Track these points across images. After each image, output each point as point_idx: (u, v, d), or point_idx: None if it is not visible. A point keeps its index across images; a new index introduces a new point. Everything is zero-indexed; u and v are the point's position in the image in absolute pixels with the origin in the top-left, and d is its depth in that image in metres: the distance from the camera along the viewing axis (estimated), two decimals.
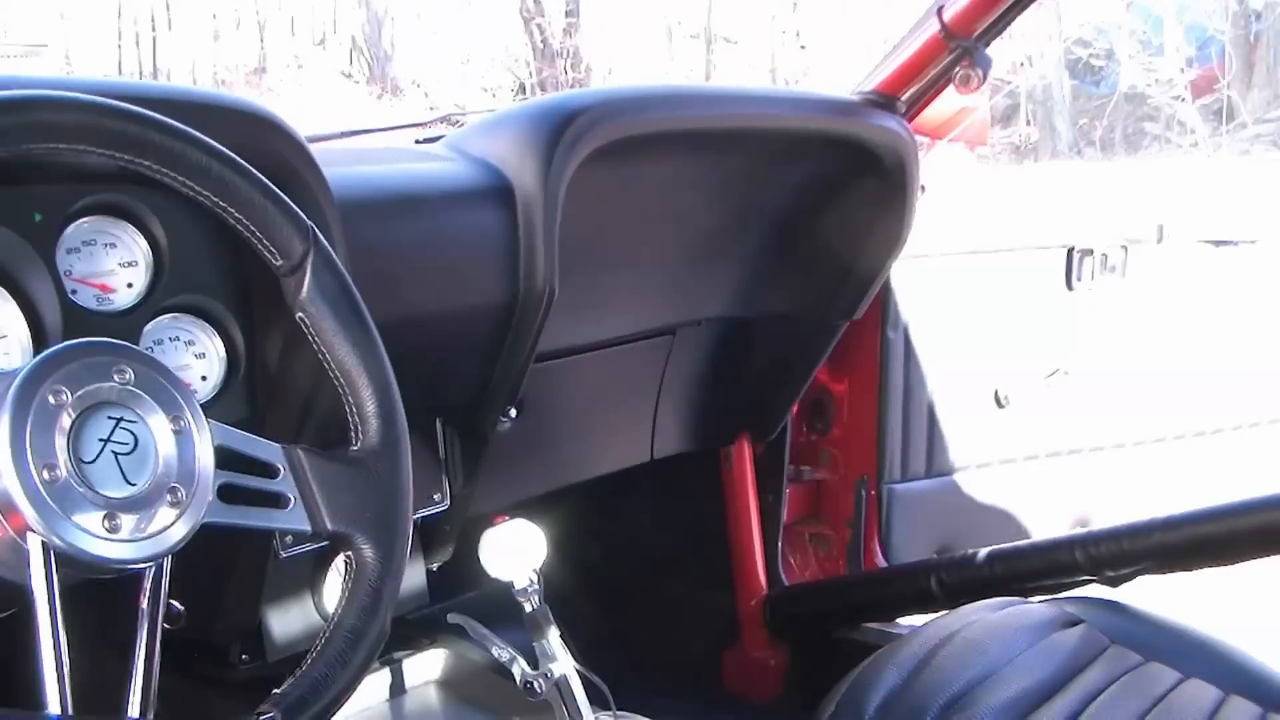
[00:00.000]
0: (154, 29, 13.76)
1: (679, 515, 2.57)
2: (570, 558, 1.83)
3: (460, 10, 13.04)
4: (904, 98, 2.11)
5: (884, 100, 2.08)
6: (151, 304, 1.37)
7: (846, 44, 12.04)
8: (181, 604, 1.09)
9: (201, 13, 13.90)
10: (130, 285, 1.37)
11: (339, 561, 1.61)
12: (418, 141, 1.98)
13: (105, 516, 0.96)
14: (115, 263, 1.36)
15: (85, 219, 1.34)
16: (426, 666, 1.86)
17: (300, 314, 1.15)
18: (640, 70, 12.31)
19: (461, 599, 1.91)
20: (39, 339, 1.29)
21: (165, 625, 1.32)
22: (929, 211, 2.17)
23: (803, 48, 13.18)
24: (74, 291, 1.31)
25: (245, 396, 1.44)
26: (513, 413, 1.82)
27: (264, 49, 14.20)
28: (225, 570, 1.50)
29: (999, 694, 1.54)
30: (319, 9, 13.91)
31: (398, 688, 1.83)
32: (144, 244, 1.37)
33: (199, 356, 1.42)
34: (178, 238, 1.37)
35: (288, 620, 1.66)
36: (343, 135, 1.99)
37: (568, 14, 13.03)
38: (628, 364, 2.12)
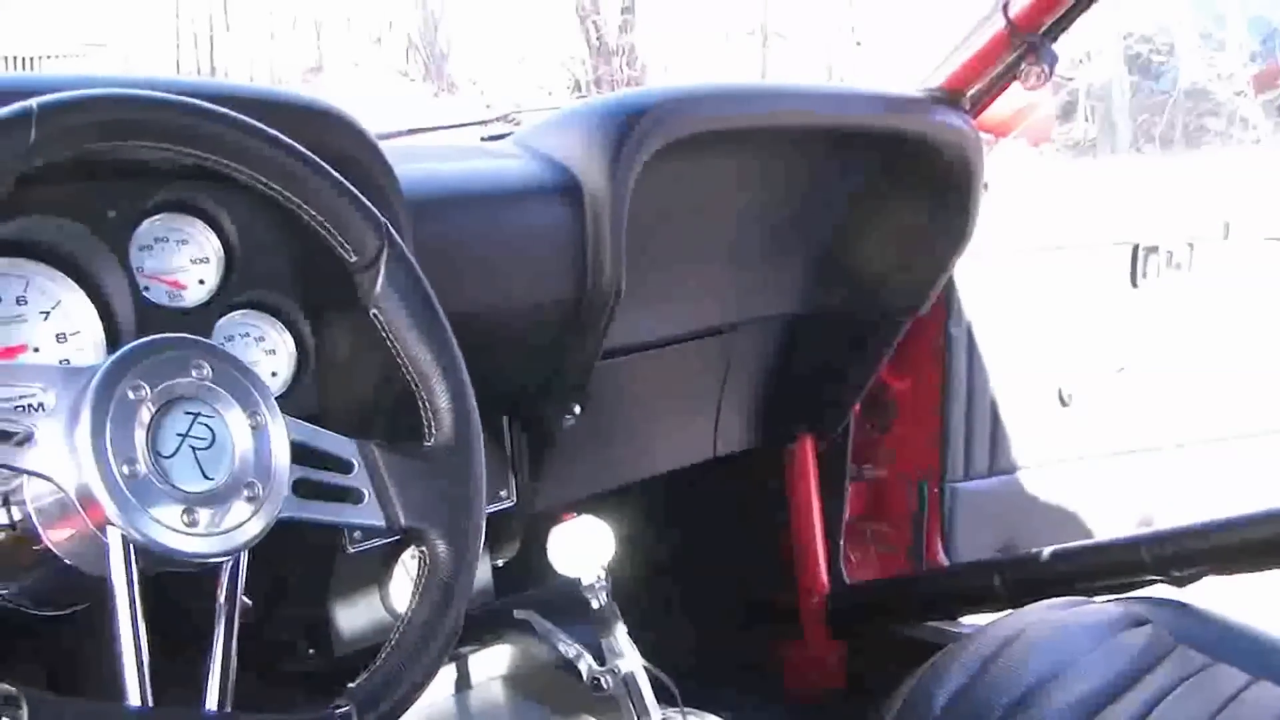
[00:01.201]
0: (211, 29, 13.83)
1: (740, 512, 2.57)
2: (632, 554, 1.83)
3: (516, 8, 13.05)
4: (969, 94, 2.09)
5: (949, 97, 2.08)
6: (222, 300, 1.39)
7: (902, 40, 11.97)
8: (249, 598, 1.10)
9: (258, 12, 13.97)
10: (201, 282, 1.39)
11: (405, 557, 1.64)
12: (484, 139, 1.99)
13: (184, 511, 0.97)
14: (187, 259, 1.38)
15: (158, 216, 1.35)
16: (492, 662, 1.87)
17: (374, 310, 1.15)
18: (695, 68, 12.27)
19: (526, 595, 1.91)
20: (112, 335, 1.31)
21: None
22: (992, 208, 2.16)
23: (858, 44, 13.10)
24: (146, 288, 1.33)
25: (313, 392, 1.45)
26: (577, 409, 1.82)
27: (321, 48, 14.25)
28: (293, 565, 1.51)
29: (1065, 694, 1.53)
30: (376, 8, 13.95)
31: (463, 683, 1.84)
32: (215, 241, 1.39)
33: (269, 353, 1.43)
34: (248, 234, 1.39)
35: (354, 615, 1.67)
36: (408, 133, 2.00)
37: (624, 11, 13.00)
38: (691, 361, 2.12)
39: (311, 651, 1.67)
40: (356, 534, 1.60)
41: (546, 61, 13.25)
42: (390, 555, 1.65)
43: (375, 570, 1.66)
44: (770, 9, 13.15)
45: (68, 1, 10.33)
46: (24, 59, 9.83)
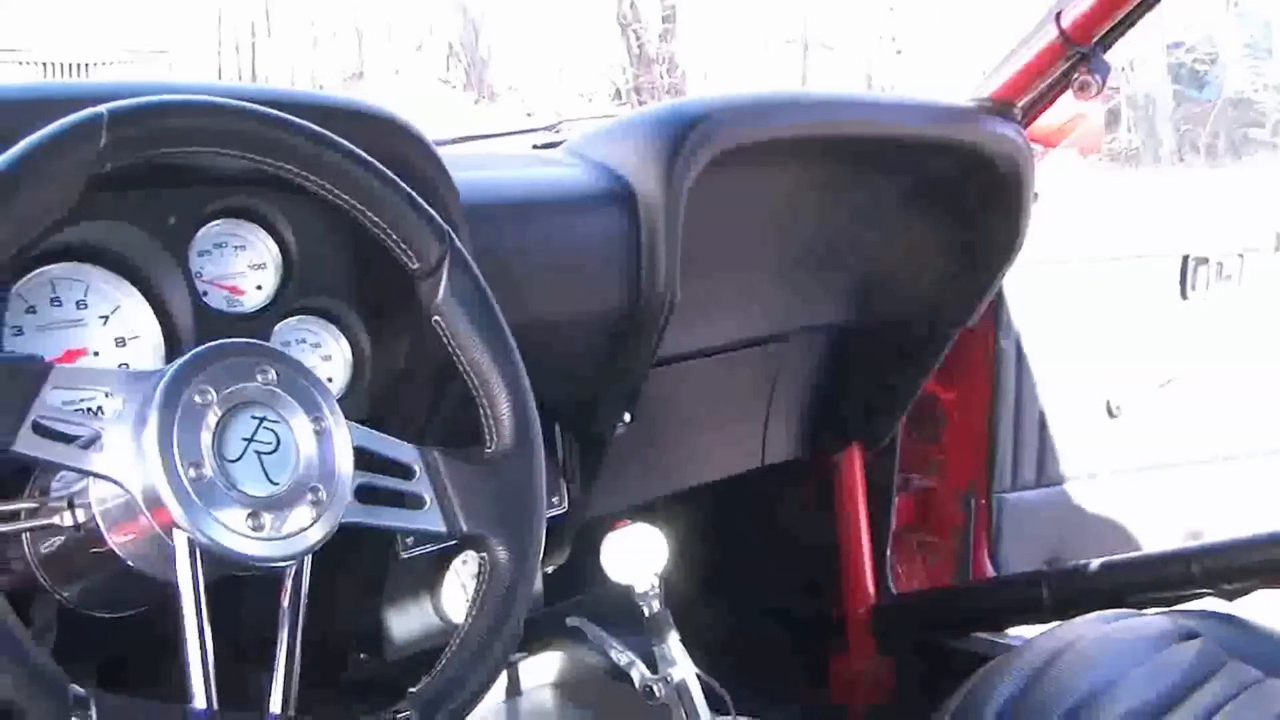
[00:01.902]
0: (253, 35, 13.92)
1: (787, 521, 2.57)
2: (678, 562, 1.84)
3: (557, 16, 13.09)
4: (1020, 104, 2.09)
5: (1001, 107, 2.07)
6: (280, 306, 1.39)
7: (943, 49, 11.95)
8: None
9: (300, 20, 14.05)
10: (259, 287, 1.39)
11: (457, 563, 1.64)
12: (535, 147, 1.99)
13: (249, 515, 0.98)
14: (245, 265, 1.38)
15: (216, 222, 1.36)
16: (542, 669, 1.87)
17: (436, 317, 1.16)
18: (735, 76, 12.29)
19: (576, 601, 1.91)
20: (171, 340, 1.31)
21: None
22: (1041, 218, 2.15)
23: (899, 53, 13.10)
24: (205, 293, 1.33)
25: (369, 399, 1.45)
26: (627, 417, 1.82)
27: (362, 55, 14.31)
28: (347, 570, 1.51)
29: (1116, 708, 1.52)
30: (417, 15, 14.01)
31: (513, 689, 1.84)
32: (273, 247, 1.39)
33: (325, 359, 1.44)
34: (306, 241, 1.39)
35: (406, 621, 1.67)
36: (459, 140, 2.00)
37: (664, 20, 13.04)
38: (740, 370, 2.12)
39: (363, 656, 1.68)
40: (409, 539, 1.60)
41: (587, 69, 13.28)
42: (442, 561, 1.65)
43: (427, 576, 1.66)
44: (811, 18, 13.15)
45: (112, 9, 10.40)
46: (73, 65, 9.92)
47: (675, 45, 12.96)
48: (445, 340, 1.16)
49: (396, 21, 14.25)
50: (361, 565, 1.58)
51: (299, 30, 14.10)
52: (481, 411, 1.17)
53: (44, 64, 9.84)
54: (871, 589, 2.47)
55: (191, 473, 0.96)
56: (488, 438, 1.17)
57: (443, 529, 1.11)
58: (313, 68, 13.69)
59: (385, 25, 14.28)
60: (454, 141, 1.98)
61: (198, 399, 0.98)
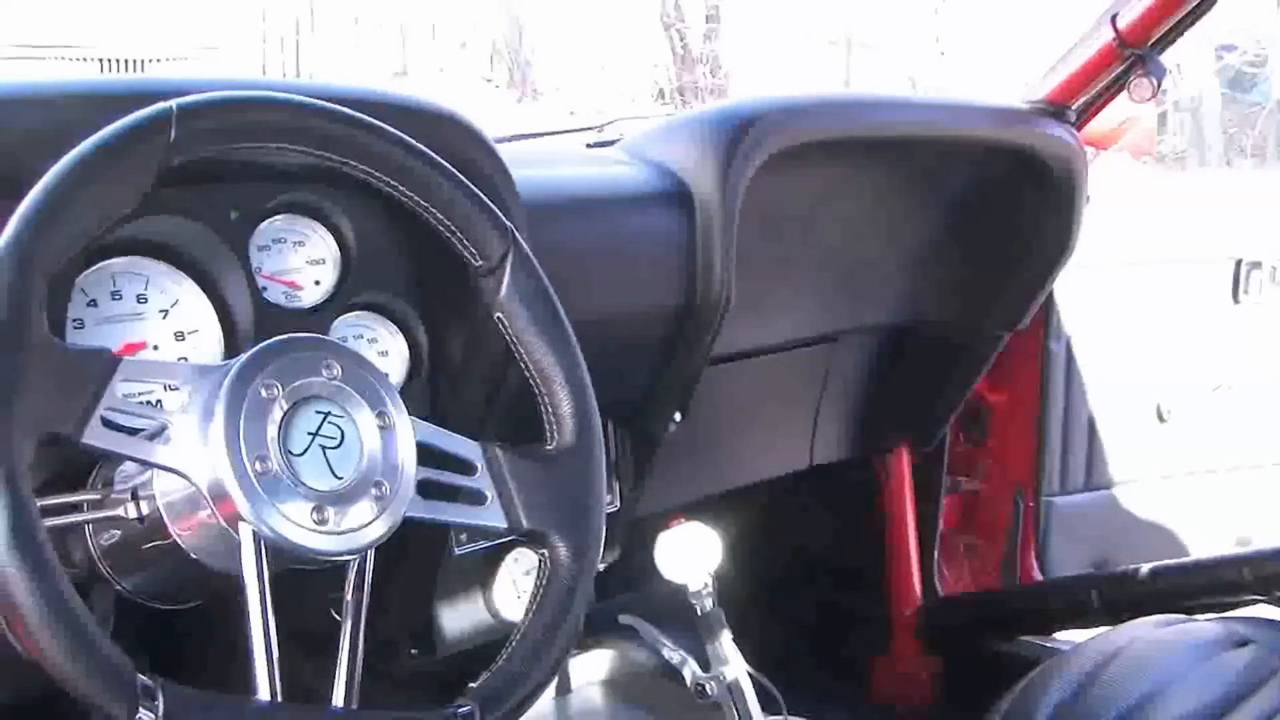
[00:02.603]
0: (297, 33, 13.95)
1: (835, 522, 2.56)
2: (726, 562, 1.83)
3: (601, 15, 13.09)
4: (1074, 106, 2.08)
5: (1054, 109, 2.06)
6: (338, 302, 1.40)
7: (988, 51, 11.90)
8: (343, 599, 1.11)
9: (344, 17, 14.09)
10: (318, 282, 1.40)
11: (509, 560, 1.64)
12: (589, 146, 1.99)
13: (314, 509, 0.98)
14: (303, 260, 1.39)
15: (276, 217, 1.37)
16: (592, 666, 1.87)
17: (498, 314, 1.16)
18: (779, 76, 12.25)
19: (627, 599, 1.91)
20: (230, 334, 1.32)
21: (337, 618, 1.35)
22: (1093, 221, 2.14)
23: (943, 54, 13.04)
24: (264, 288, 1.34)
25: (426, 395, 1.46)
26: (678, 416, 1.82)
27: (406, 53, 14.34)
28: (402, 566, 1.52)
29: (1167, 714, 1.51)
30: (460, 14, 14.03)
31: (563, 687, 1.84)
32: (332, 242, 1.40)
33: (382, 355, 1.44)
34: (365, 237, 1.40)
35: (458, 617, 1.67)
36: (513, 139, 2.01)
37: (708, 19, 13.02)
38: (790, 370, 2.12)
39: (414, 652, 1.68)
40: (463, 536, 1.61)
41: (630, 69, 13.27)
42: (495, 558, 1.66)
43: (480, 573, 1.66)
44: (854, 18, 13.11)
45: (165, 6, 10.47)
46: (128, 60, 9.98)
47: (719, 45, 12.94)
48: (507, 337, 1.17)
49: (440, 20, 14.28)
50: (416, 561, 1.59)
51: (343, 28, 14.15)
52: (542, 408, 1.17)
53: (100, 59, 9.91)
54: (918, 591, 2.47)
55: (257, 466, 0.96)
56: (548, 434, 1.17)
57: (504, 525, 1.12)
58: (356, 65, 13.71)
59: (429, 23, 14.31)
60: (508, 140, 1.98)
61: (263, 393, 0.99)
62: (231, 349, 1.32)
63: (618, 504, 1.83)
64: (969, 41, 12.50)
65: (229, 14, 11.67)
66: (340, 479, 1.01)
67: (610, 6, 13.21)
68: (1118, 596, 2.11)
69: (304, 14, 14.01)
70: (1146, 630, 1.70)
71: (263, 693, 0.97)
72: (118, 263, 1.27)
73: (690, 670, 1.60)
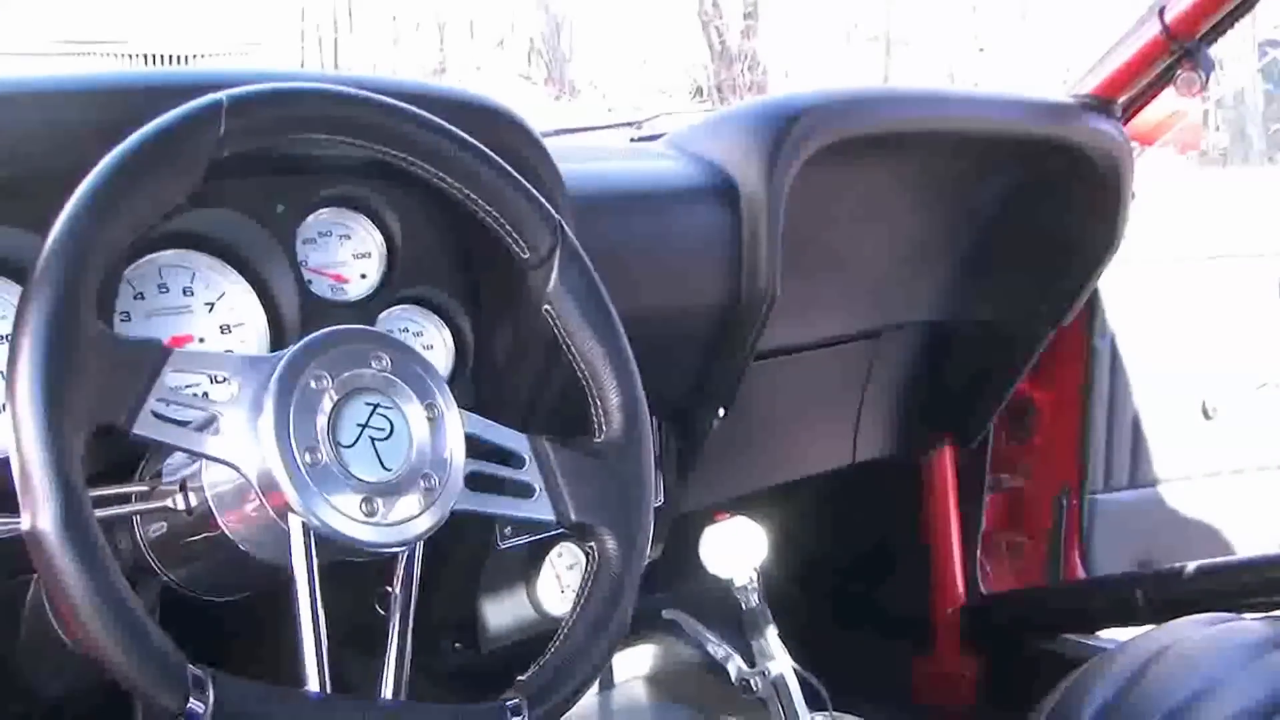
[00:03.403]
0: (336, 31, 14.01)
1: (878, 520, 2.55)
2: (769, 557, 1.83)
3: (638, 13, 13.10)
4: (1120, 101, 2.07)
5: (1101, 104, 2.05)
6: (384, 295, 1.40)
7: (1025, 47, 11.86)
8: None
9: (382, 15, 14.13)
10: (364, 276, 1.40)
11: (553, 555, 1.64)
12: (633, 140, 1.99)
13: (363, 500, 0.98)
14: (349, 254, 1.40)
15: (322, 211, 1.37)
16: (636, 661, 1.87)
17: (546, 306, 1.16)
18: (817, 73, 12.24)
19: (671, 594, 1.91)
20: (276, 327, 1.32)
21: (381, 611, 1.35)
22: (1138, 217, 2.13)
23: (981, 50, 13.01)
24: (310, 281, 1.34)
25: (471, 389, 1.46)
26: (722, 412, 1.82)
27: (444, 51, 14.38)
28: (447, 559, 1.52)
29: (1215, 713, 1.50)
30: (498, 11, 14.05)
31: (607, 682, 1.84)
32: (378, 236, 1.40)
33: (427, 348, 1.44)
34: (410, 230, 1.40)
35: (501, 612, 1.67)
36: (557, 133, 2.01)
37: (746, 16, 13.01)
38: (834, 366, 2.11)
39: (458, 646, 1.68)
40: (508, 530, 1.61)
41: (667, 66, 13.27)
42: (539, 553, 1.66)
43: (523, 567, 1.66)
44: (893, 15, 13.09)
45: (207, 4, 10.53)
46: (172, 56, 10.05)
47: (757, 42, 12.93)
48: (555, 330, 1.16)
49: (478, 17, 14.31)
50: (461, 556, 1.59)
51: (381, 25, 14.19)
52: (591, 401, 1.17)
53: (145, 55, 9.98)
54: (961, 588, 2.46)
55: (307, 457, 0.96)
56: (597, 427, 1.16)
57: (551, 518, 1.11)
58: (394, 63, 13.75)
59: (467, 21, 14.34)
60: (552, 135, 1.98)
61: (313, 384, 0.99)
62: (278, 342, 1.32)
63: (662, 499, 1.83)
64: (1007, 37, 12.47)
65: (268, 12, 11.73)
66: (389, 471, 1.01)
67: (648, 4, 13.22)
68: (1163, 595, 2.09)
69: (342, 12, 14.06)
70: (1193, 629, 1.68)
71: (312, 684, 0.97)
72: (165, 256, 1.28)
73: (735, 665, 1.60)
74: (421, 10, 14.28)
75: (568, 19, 13.86)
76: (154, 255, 1.27)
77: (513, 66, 13.99)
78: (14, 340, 0.89)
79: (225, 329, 1.31)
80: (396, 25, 14.40)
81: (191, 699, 0.88)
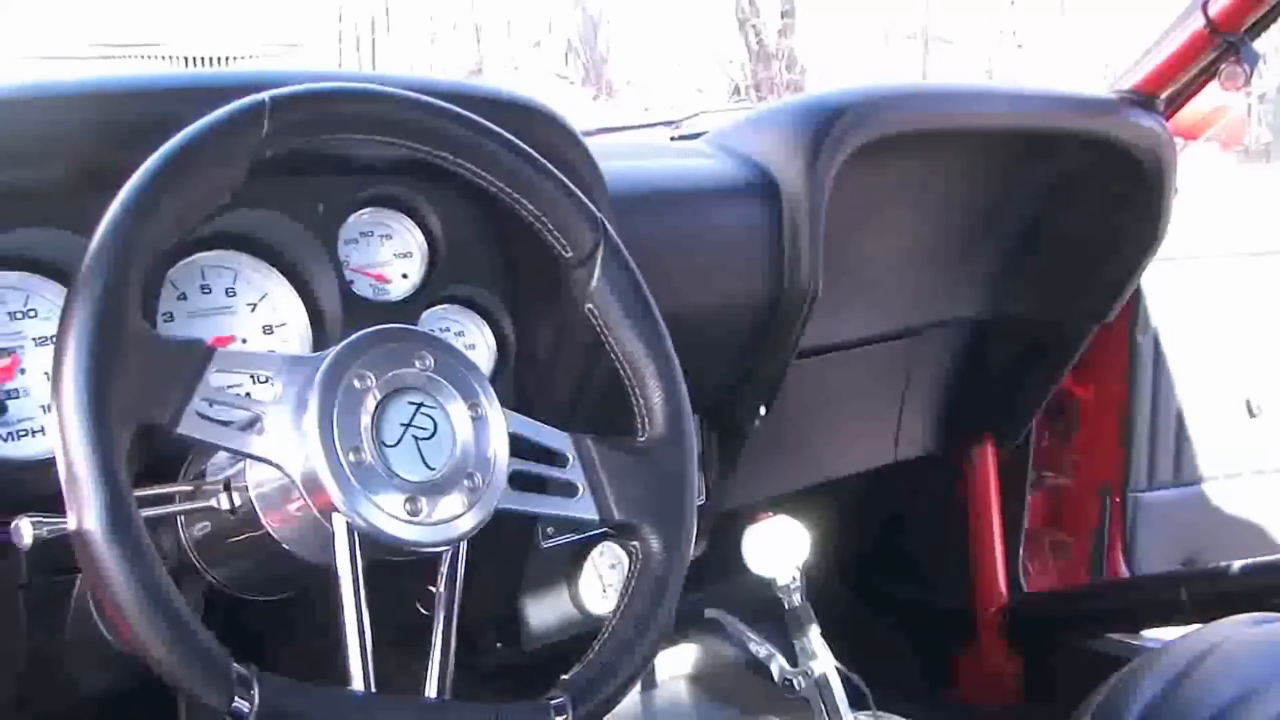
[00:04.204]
0: (373, 31, 14.03)
1: (919, 518, 2.54)
2: (810, 556, 1.83)
3: (675, 12, 13.09)
4: (1163, 96, 2.05)
5: (1143, 99, 2.03)
6: (426, 295, 1.40)
7: (1064, 43, 11.80)
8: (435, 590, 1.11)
9: (419, 15, 14.15)
10: (405, 276, 1.41)
11: (595, 554, 1.64)
12: (673, 139, 1.99)
13: (406, 500, 0.98)
14: (390, 253, 1.40)
15: (364, 211, 1.37)
16: (679, 660, 1.86)
17: (589, 305, 1.16)
18: (855, 72, 12.20)
19: (713, 592, 1.91)
20: (318, 328, 1.33)
21: (423, 611, 1.35)
22: (1181, 212, 2.11)
23: (1019, 47, 12.95)
24: (351, 281, 1.35)
25: (512, 388, 1.46)
26: (763, 410, 1.81)
27: (480, 51, 14.39)
28: (489, 558, 1.52)
29: (1261, 714, 1.48)
30: (535, 11, 14.06)
31: (648, 682, 1.84)
32: (419, 236, 1.41)
33: (468, 348, 1.44)
34: (452, 230, 1.40)
35: (543, 611, 1.67)
36: (597, 132, 2.01)
37: (783, 15, 12.98)
38: (875, 364, 2.11)
39: (499, 645, 1.68)
40: (549, 529, 1.61)
41: (704, 65, 13.26)
42: (581, 552, 1.66)
43: (565, 567, 1.66)
44: (931, 12, 13.04)
45: (246, 5, 10.57)
46: (212, 58, 10.09)
47: (794, 41, 12.90)
48: (598, 329, 1.16)
49: (515, 17, 14.31)
50: (503, 555, 1.59)
51: (418, 25, 14.21)
52: (634, 400, 1.16)
53: (185, 58, 10.02)
54: (1003, 587, 2.45)
55: (351, 457, 0.96)
56: (640, 426, 1.16)
57: (595, 517, 1.11)
58: (431, 63, 13.77)
59: (504, 21, 14.35)
60: (592, 133, 1.98)
61: (357, 384, 0.99)
62: (319, 342, 1.32)
63: (704, 498, 1.82)
64: (1045, 33, 12.41)
65: (305, 13, 11.76)
66: (433, 470, 1.01)
67: (685, 3, 13.20)
68: (1208, 594, 2.08)
69: (379, 12, 14.09)
70: (1239, 629, 1.67)
71: (356, 684, 0.98)
72: (207, 256, 1.29)
73: (777, 665, 1.59)
74: (458, 10, 14.29)
75: (605, 19, 13.85)
76: (196, 256, 1.28)
77: (550, 66, 13.98)
78: (59, 340, 0.90)
79: (267, 329, 1.32)
80: (433, 25, 14.42)
81: (237, 697, 0.88)
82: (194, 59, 10.04)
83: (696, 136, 1.91)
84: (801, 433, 2.05)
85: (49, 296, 1.19)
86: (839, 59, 12.49)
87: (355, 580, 0.98)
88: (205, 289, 1.29)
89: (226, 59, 10.15)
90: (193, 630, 0.88)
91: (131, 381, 0.90)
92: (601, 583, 1.66)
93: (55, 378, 0.89)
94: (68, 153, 1.14)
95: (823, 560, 1.88)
